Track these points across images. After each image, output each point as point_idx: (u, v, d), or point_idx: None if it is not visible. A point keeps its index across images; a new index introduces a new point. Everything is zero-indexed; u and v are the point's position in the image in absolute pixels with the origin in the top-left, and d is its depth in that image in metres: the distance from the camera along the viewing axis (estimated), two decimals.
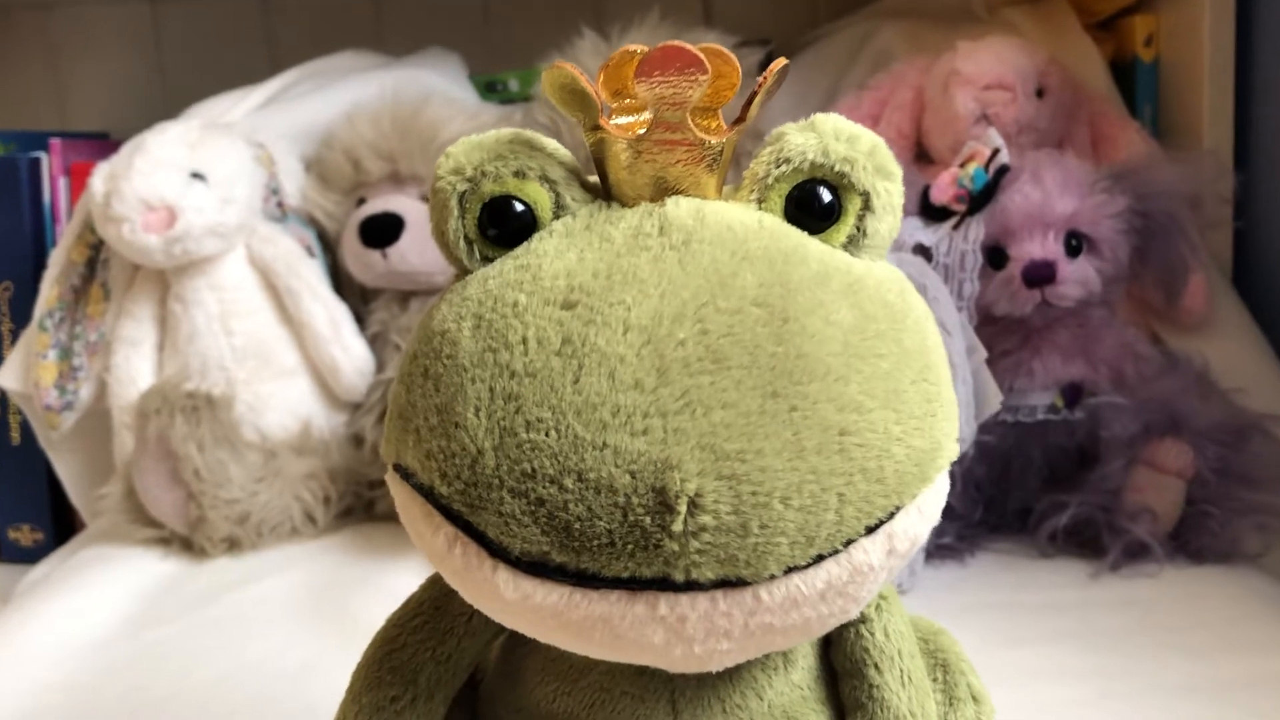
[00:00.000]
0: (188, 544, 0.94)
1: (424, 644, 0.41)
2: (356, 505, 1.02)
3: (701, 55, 0.34)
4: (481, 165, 0.36)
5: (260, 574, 0.89)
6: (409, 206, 1.03)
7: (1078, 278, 0.82)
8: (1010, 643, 0.70)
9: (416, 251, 1.02)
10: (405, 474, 0.35)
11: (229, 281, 1.01)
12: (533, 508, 0.32)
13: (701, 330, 0.32)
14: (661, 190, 0.36)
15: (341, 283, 1.09)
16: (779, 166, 0.36)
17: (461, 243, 0.37)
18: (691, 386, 0.32)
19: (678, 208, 0.35)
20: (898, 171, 0.37)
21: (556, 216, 0.37)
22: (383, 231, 1.02)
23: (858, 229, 0.36)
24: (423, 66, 1.20)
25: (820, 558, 0.33)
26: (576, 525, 0.32)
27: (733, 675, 0.40)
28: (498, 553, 0.33)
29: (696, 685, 0.40)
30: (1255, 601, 0.74)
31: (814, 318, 0.33)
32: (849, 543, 0.33)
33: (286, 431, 1.01)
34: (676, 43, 0.34)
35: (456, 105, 1.11)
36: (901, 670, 0.41)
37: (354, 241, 1.03)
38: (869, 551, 0.33)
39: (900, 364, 0.34)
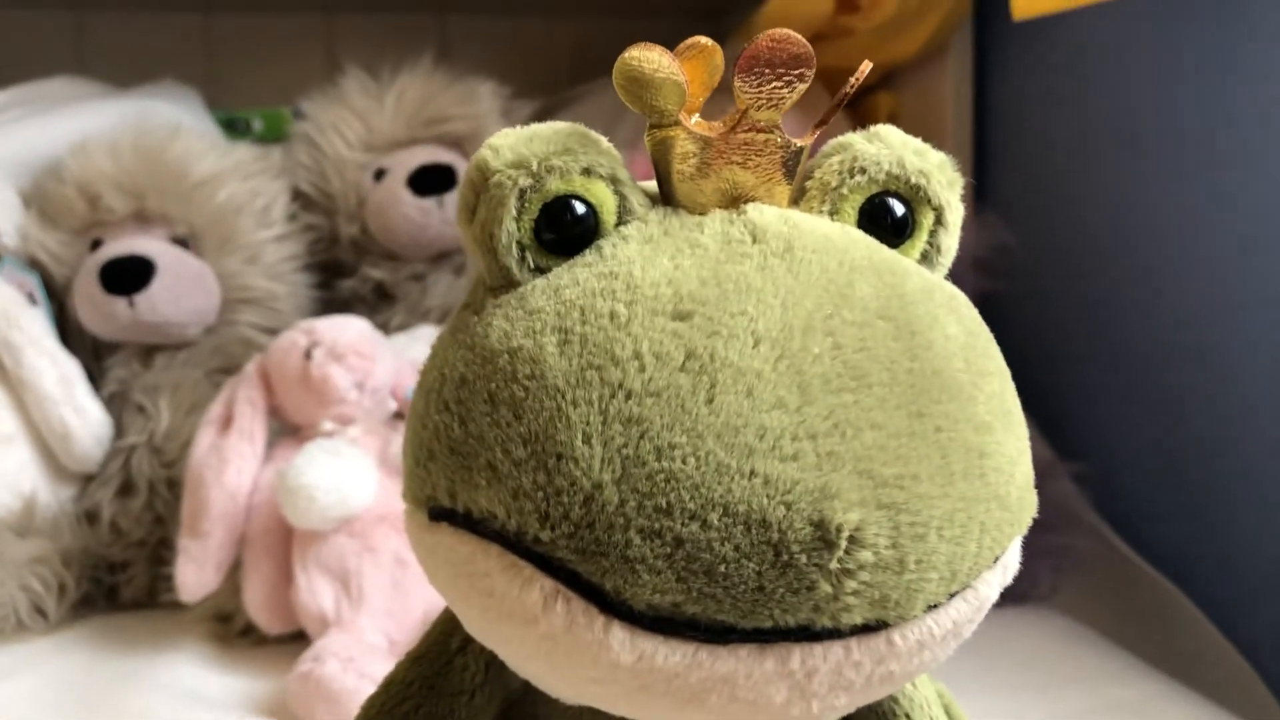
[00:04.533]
0: None
1: None
2: (96, 593, 0.88)
3: (811, 50, 0.31)
4: (547, 159, 0.31)
5: None
6: (158, 249, 0.92)
7: None
8: None
9: (169, 299, 0.91)
10: (468, 521, 0.29)
11: None
12: (669, 549, 0.27)
13: (834, 345, 0.29)
14: (730, 200, 0.33)
15: (69, 335, 0.94)
16: (853, 177, 0.34)
17: (515, 248, 0.31)
18: (837, 406, 0.28)
19: (762, 215, 0.32)
20: (960, 188, 0.35)
21: (621, 223, 0.32)
22: (129, 277, 0.89)
23: (931, 244, 0.34)
24: (159, 98, 1.08)
25: (951, 595, 0.30)
26: (721, 568, 0.27)
27: None
28: (613, 608, 0.28)
29: None
30: (1067, 640, 0.79)
31: (935, 332, 0.31)
32: (978, 577, 0.30)
33: (5, 509, 0.86)
34: (786, 31, 0.31)
35: (208, 140, 1.00)
36: (930, 719, 0.39)
37: (92, 288, 0.90)
38: (990, 584, 0.31)
39: (1004, 383, 0.32)
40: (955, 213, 0.35)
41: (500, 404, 0.29)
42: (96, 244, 0.94)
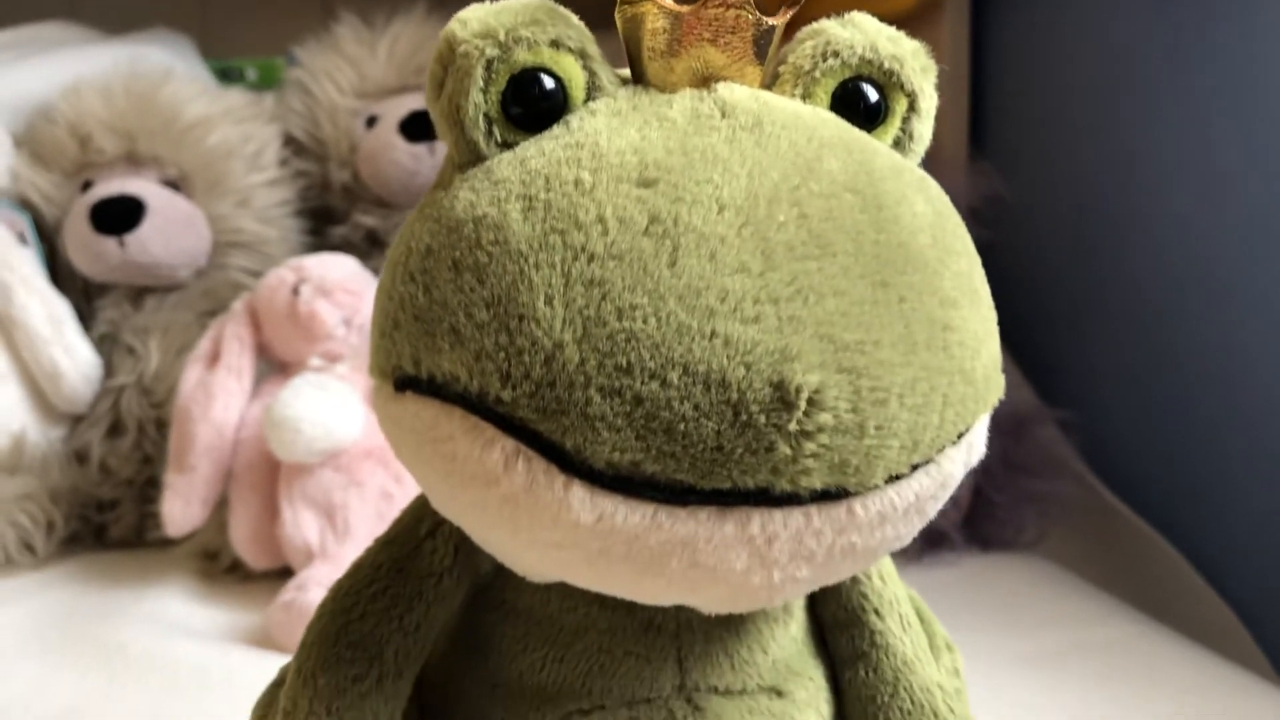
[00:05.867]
0: None
1: (388, 612, 0.35)
2: (84, 531, 0.89)
3: None
4: (515, 29, 0.31)
5: None
6: (149, 190, 0.92)
7: None
8: None
9: (160, 241, 0.91)
10: (432, 387, 0.29)
11: None
12: (628, 407, 0.27)
13: (800, 214, 0.29)
14: (701, 80, 0.33)
15: (60, 276, 0.94)
16: (826, 60, 0.33)
17: (481, 120, 0.31)
18: (800, 272, 0.28)
19: (733, 92, 0.32)
20: (934, 76, 0.35)
21: (590, 99, 0.32)
22: (120, 217, 0.89)
23: (904, 131, 0.34)
24: (152, 45, 1.08)
25: (914, 467, 0.30)
26: (680, 426, 0.27)
27: (739, 629, 0.37)
28: (573, 466, 0.28)
29: (704, 641, 0.36)
30: (1049, 583, 0.79)
31: (902, 208, 0.31)
32: (940, 450, 0.30)
33: None
34: None
35: (199, 85, 1.00)
36: (901, 615, 0.39)
37: (83, 228, 0.90)
38: (954, 460, 0.31)
39: (973, 265, 0.32)
40: (928, 100, 0.35)
41: (464, 270, 0.29)
42: (87, 185, 0.94)
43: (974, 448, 0.32)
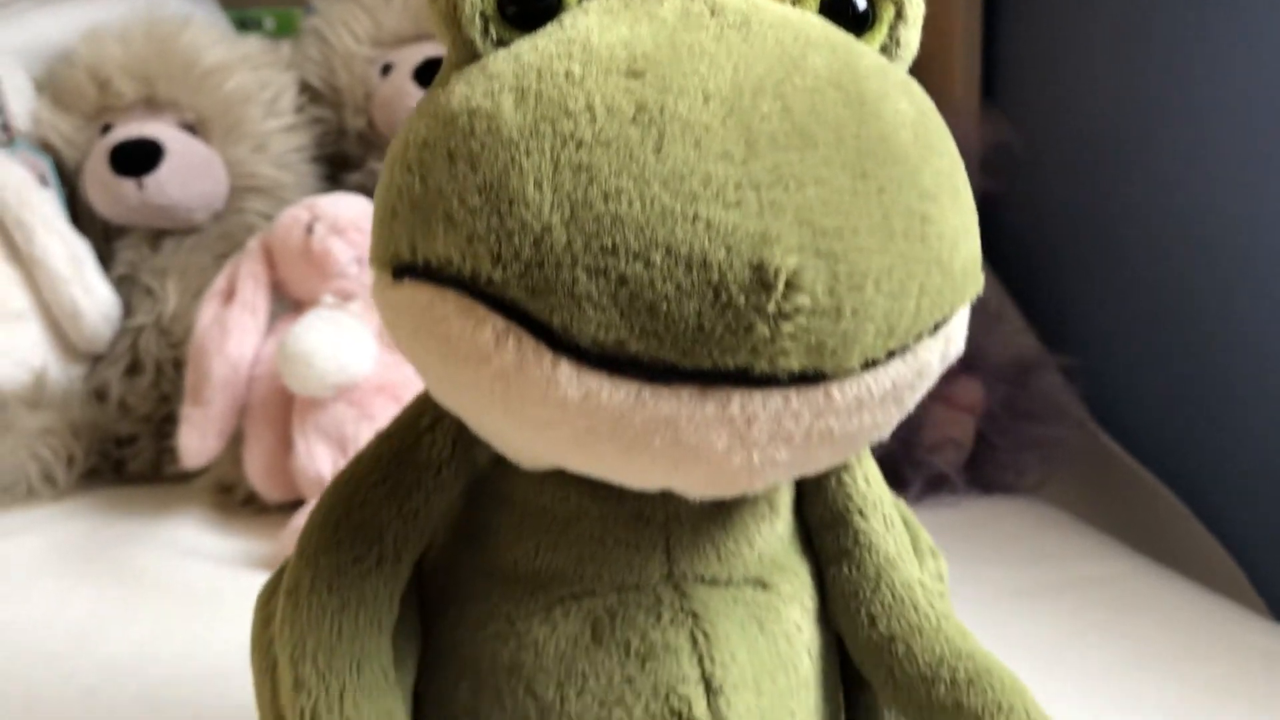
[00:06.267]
0: None
1: (388, 499, 0.36)
2: (104, 466, 0.91)
3: None
4: None
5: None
6: (167, 134, 0.93)
7: None
8: None
9: (177, 183, 0.92)
10: (427, 271, 0.31)
11: None
12: (613, 287, 0.28)
13: (784, 107, 0.30)
14: None
15: (80, 219, 0.96)
16: None
17: (478, 19, 0.32)
18: (782, 161, 0.29)
19: None
20: None
21: None
22: (139, 159, 0.91)
23: (891, 38, 0.35)
24: None
25: (891, 355, 0.31)
26: (663, 305, 0.28)
27: (726, 523, 0.38)
28: (561, 344, 0.29)
29: (692, 533, 0.37)
30: (1049, 524, 0.80)
31: (885, 105, 0.32)
32: (917, 339, 0.32)
33: (16, 383, 0.88)
34: None
35: (218, 31, 1.01)
36: (884, 516, 0.40)
37: (102, 170, 0.92)
38: (931, 351, 0.32)
39: (954, 166, 0.33)
40: (916, 7, 0.36)
41: (459, 159, 0.30)
42: (107, 129, 0.95)
43: (951, 341, 0.33)
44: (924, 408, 0.84)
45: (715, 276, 0.28)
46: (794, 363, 0.29)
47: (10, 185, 0.90)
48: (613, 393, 0.29)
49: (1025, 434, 0.85)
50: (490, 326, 0.29)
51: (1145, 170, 0.87)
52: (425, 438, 0.37)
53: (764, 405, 0.30)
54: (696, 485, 0.33)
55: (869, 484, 0.40)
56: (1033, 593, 0.67)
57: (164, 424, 0.89)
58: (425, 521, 0.37)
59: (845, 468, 0.40)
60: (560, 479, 0.36)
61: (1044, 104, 0.99)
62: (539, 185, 0.29)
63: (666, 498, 0.37)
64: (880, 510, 0.40)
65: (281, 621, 0.35)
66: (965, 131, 0.95)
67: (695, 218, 0.28)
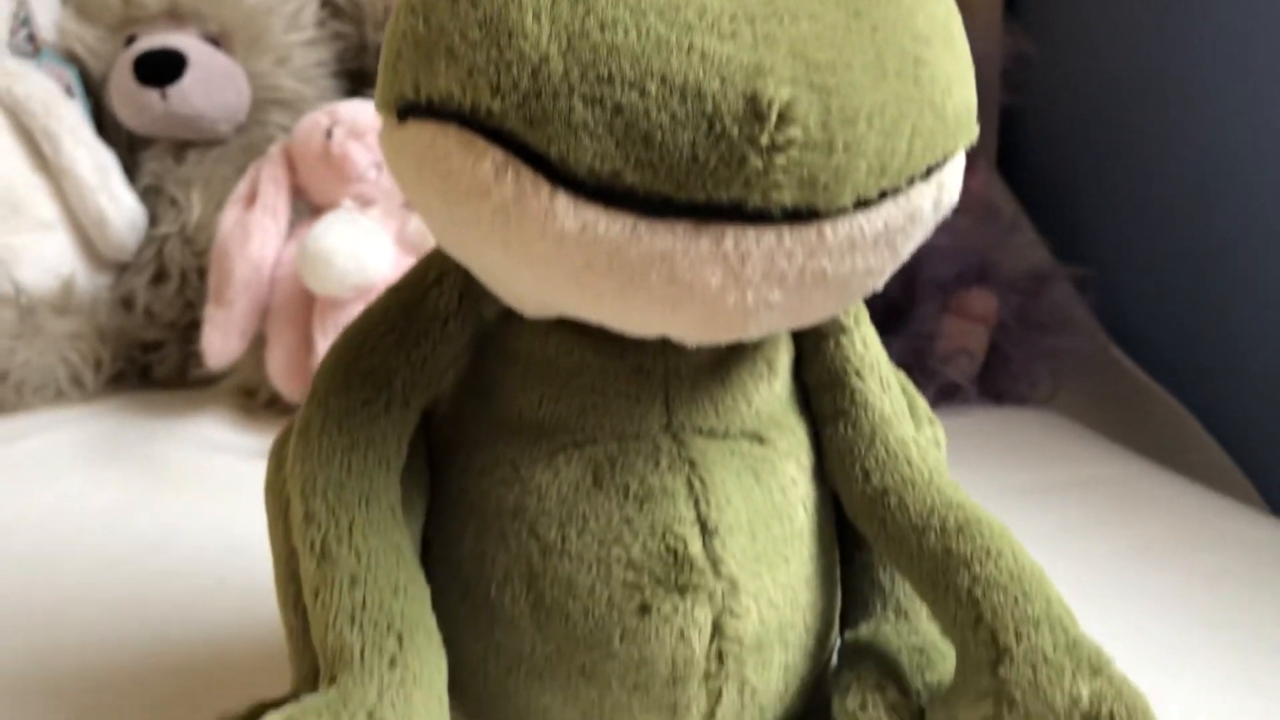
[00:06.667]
0: None
1: (396, 347, 0.37)
2: (130, 371, 0.93)
3: None
4: None
5: (30, 432, 0.79)
6: (191, 45, 0.94)
7: None
8: None
9: (201, 93, 0.93)
10: (429, 108, 0.31)
11: None
12: (609, 116, 0.29)
13: None
14: None
15: (105, 130, 0.98)
16: None
17: None
18: None
19: None
20: None
21: None
22: (162, 69, 0.92)
23: None
24: None
25: (883, 196, 0.32)
26: (657, 135, 0.29)
27: (724, 379, 0.39)
28: (558, 176, 0.30)
29: (690, 387, 0.38)
30: (1059, 432, 0.81)
31: None
32: (910, 182, 0.32)
33: (45, 289, 0.90)
34: None
35: None
36: (881, 377, 0.41)
37: (126, 80, 0.93)
38: (924, 196, 0.33)
39: (950, 12, 0.34)
40: None
41: None
42: (131, 40, 0.96)
43: (945, 188, 0.34)
44: (937, 318, 0.85)
45: (709, 107, 0.29)
46: (786, 197, 0.30)
47: (37, 95, 0.91)
48: (609, 225, 0.30)
49: (1038, 345, 0.85)
50: (490, 159, 0.30)
51: (1161, 85, 0.86)
52: (433, 290, 0.38)
53: (757, 242, 0.31)
54: (692, 328, 0.34)
55: (866, 346, 0.41)
56: (1039, 490, 0.68)
57: (189, 330, 0.91)
58: (432, 370, 0.38)
59: (843, 330, 0.41)
60: (564, 332, 0.38)
61: (1064, 19, 0.99)
62: (537, 17, 0.30)
63: (666, 352, 0.38)
64: (877, 372, 0.41)
65: (293, 459, 0.36)
66: (986, 44, 0.95)
67: (690, 48, 0.29)
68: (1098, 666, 0.35)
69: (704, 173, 0.29)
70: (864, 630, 0.43)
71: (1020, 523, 0.58)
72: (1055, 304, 0.87)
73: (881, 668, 0.40)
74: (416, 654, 0.34)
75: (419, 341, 0.38)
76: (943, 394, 0.84)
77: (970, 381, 0.84)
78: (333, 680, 0.34)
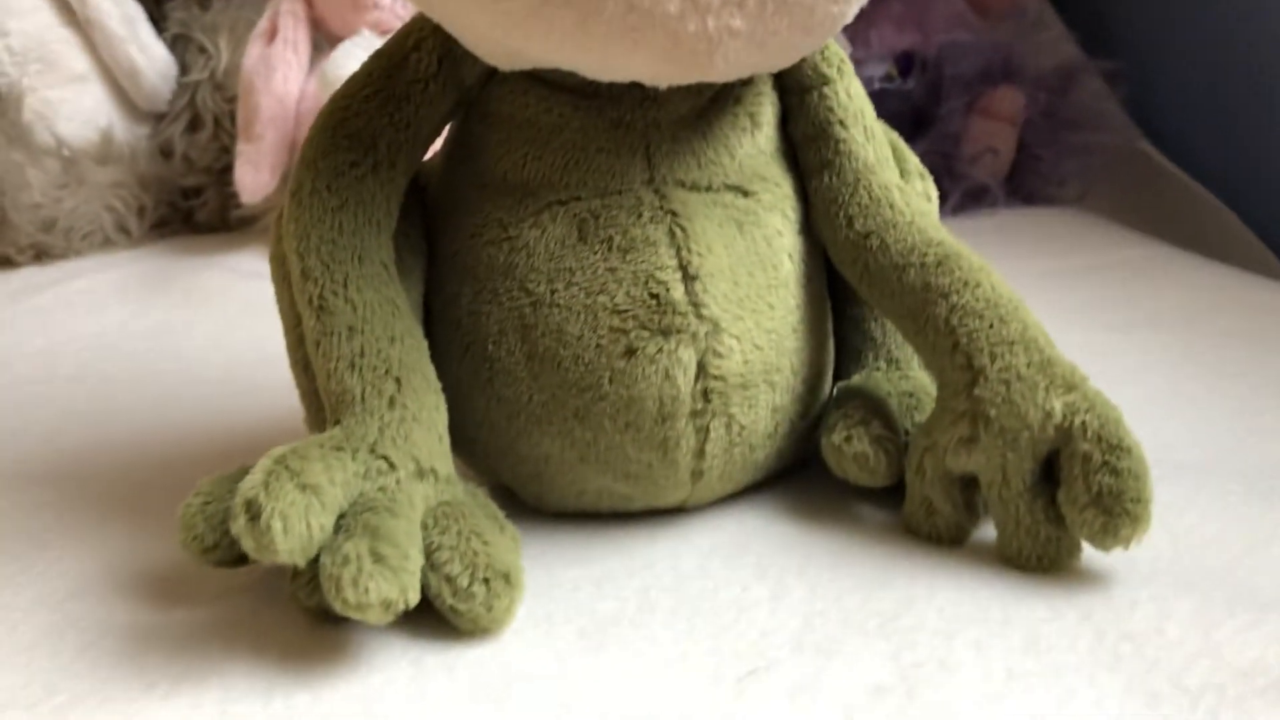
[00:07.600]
0: None
1: (380, 110, 0.38)
2: (173, 216, 0.95)
3: None
4: None
5: (79, 273, 0.82)
6: None
7: None
8: None
9: None
10: None
11: None
12: None
13: None
14: None
15: None
16: None
17: None
18: None
19: None
20: None
21: None
22: None
23: None
24: None
25: None
26: None
27: (706, 132, 0.40)
28: None
29: (671, 141, 0.39)
30: (1088, 228, 0.80)
31: None
32: None
33: (85, 141, 0.92)
34: None
35: None
36: (865, 126, 0.41)
37: None
38: None
39: None
40: None
41: None
42: None
43: None
44: (963, 119, 0.84)
45: None
46: None
47: None
48: None
49: (1067, 142, 0.84)
50: None
51: None
52: (412, 55, 0.39)
53: None
54: (657, 64, 0.34)
55: (850, 97, 0.41)
56: (1061, 274, 0.68)
57: (225, 174, 0.93)
58: (417, 132, 0.39)
59: (826, 81, 0.41)
60: (542, 89, 0.38)
61: None
62: None
63: (645, 105, 0.38)
64: (862, 122, 0.41)
65: (288, 220, 0.38)
66: None
67: None
68: (1071, 383, 0.36)
69: None
70: (855, 379, 0.44)
71: (1038, 300, 0.58)
72: (1084, 100, 0.85)
73: (869, 407, 0.41)
74: (414, 395, 0.36)
75: (401, 104, 0.39)
76: (970, 196, 0.83)
77: (998, 182, 0.84)
78: (337, 423, 0.36)
